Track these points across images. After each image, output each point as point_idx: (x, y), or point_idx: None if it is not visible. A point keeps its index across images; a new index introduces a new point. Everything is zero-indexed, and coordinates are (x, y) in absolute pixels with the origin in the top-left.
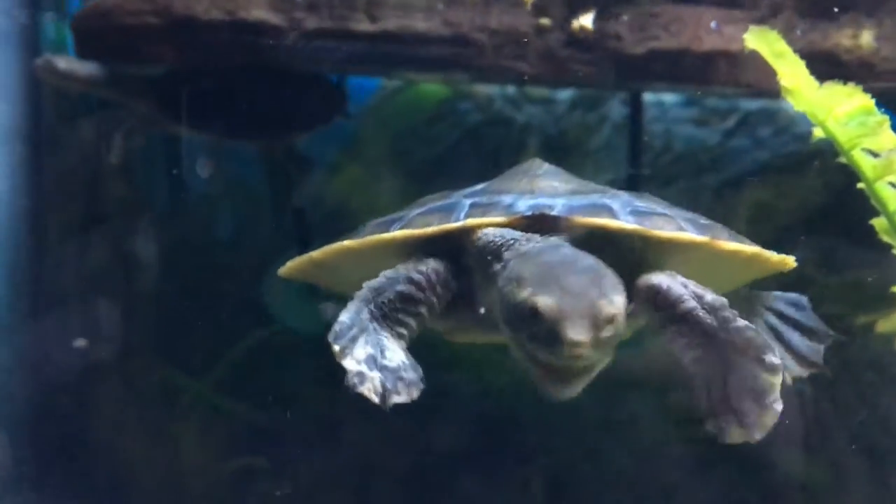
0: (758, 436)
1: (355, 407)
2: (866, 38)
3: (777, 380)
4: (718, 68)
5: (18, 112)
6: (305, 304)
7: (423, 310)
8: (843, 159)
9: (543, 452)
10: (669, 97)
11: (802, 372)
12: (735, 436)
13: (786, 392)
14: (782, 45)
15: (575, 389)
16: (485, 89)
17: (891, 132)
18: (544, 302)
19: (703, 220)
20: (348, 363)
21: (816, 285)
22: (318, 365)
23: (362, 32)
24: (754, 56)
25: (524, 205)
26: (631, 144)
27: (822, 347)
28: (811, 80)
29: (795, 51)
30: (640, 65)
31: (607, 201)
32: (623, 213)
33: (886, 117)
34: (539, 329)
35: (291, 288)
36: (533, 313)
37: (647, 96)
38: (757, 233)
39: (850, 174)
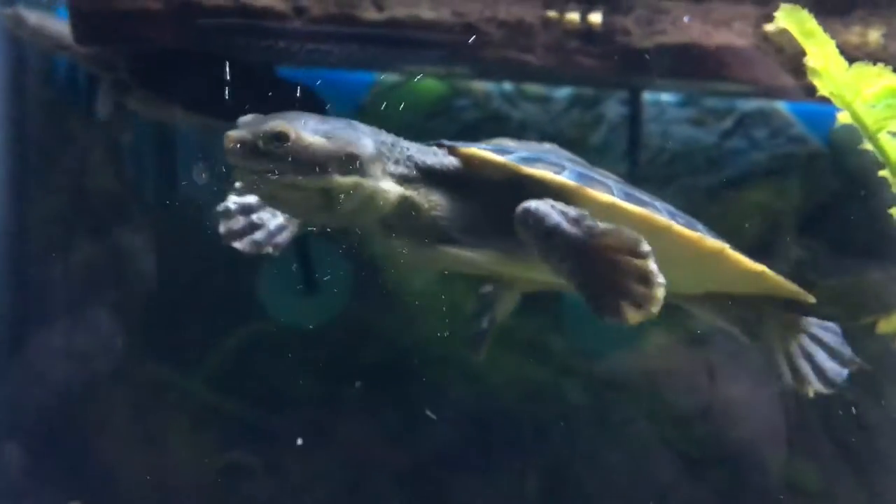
0: (654, 309)
1: (349, 404)
2: (874, 35)
3: (653, 261)
4: (726, 64)
5: (4, 105)
6: (298, 298)
7: None
8: (867, 144)
9: (538, 452)
10: (667, 97)
11: (824, 389)
12: (633, 316)
13: (783, 394)
14: (813, 24)
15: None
16: (482, 86)
17: None
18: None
19: (681, 216)
20: None
21: (813, 286)
22: (310, 360)
23: (368, 20)
24: (761, 52)
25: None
26: (630, 143)
27: (845, 371)
28: (840, 60)
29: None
30: (648, 59)
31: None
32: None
33: None
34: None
35: (284, 282)
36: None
37: (645, 96)
38: (753, 234)
39: (847, 176)
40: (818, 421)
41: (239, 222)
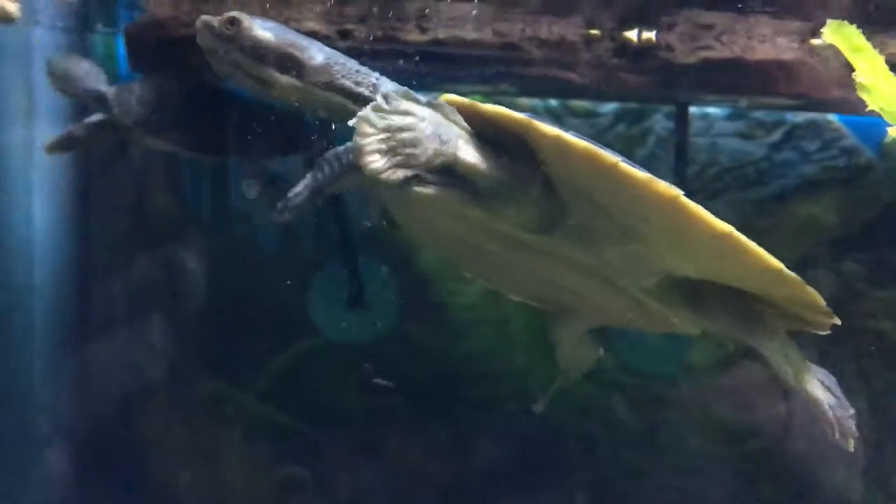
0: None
1: (397, 419)
2: None
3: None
4: (772, 78)
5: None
6: (348, 315)
7: None
8: None
9: (585, 468)
10: (714, 110)
11: (842, 441)
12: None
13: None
14: (861, 40)
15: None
16: (527, 102)
17: None
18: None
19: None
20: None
21: (867, 299)
22: (360, 376)
23: (412, 42)
24: (808, 66)
25: None
26: (676, 157)
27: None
28: (890, 76)
29: None
30: (692, 75)
31: None
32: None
33: None
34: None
35: (334, 299)
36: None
37: (692, 109)
38: (804, 246)
39: None
40: (880, 434)
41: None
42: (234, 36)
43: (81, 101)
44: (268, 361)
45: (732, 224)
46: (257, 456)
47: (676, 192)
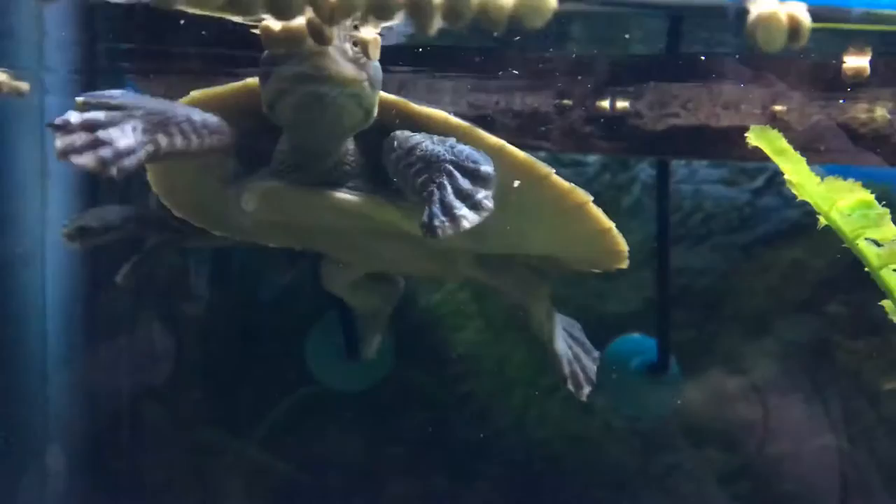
0: (467, 224)
1: (396, 464)
2: (880, 111)
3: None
4: (736, 143)
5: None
6: (346, 363)
7: None
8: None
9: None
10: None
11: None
12: (449, 229)
13: (825, 448)
14: (783, 143)
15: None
16: None
17: (892, 224)
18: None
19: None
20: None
21: (851, 340)
22: (359, 423)
23: None
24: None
25: None
26: (658, 206)
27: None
28: (812, 176)
29: (813, 123)
30: (660, 141)
31: None
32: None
33: (887, 210)
34: None
35: (330, 348)
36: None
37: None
38: (789, 289)
39: None
40: (868, 472)
41: (81, 138)
42: None
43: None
44: (268, 409)
45: (719, 269)
46: (257, 501)
47: (550, 171)
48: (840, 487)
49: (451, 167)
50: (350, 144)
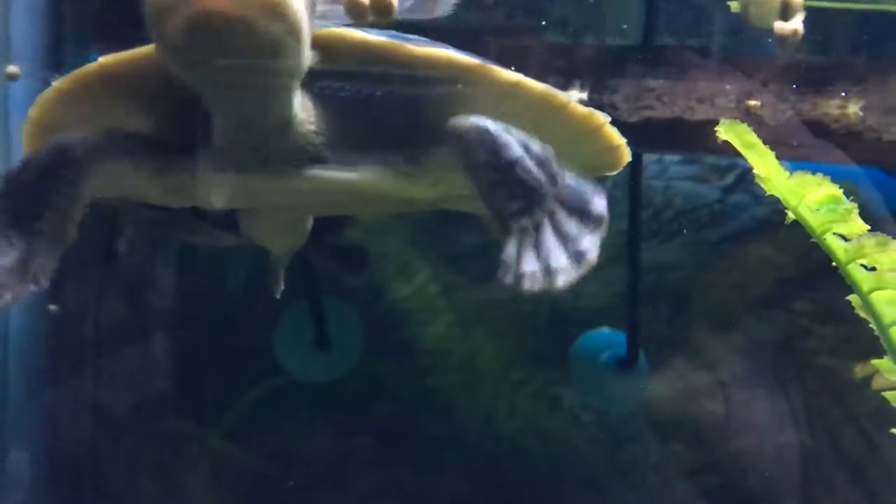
0: (562, 282)
1: (362, 456)
2: (852, 108)
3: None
4: (710, 136)
5: None
6: (312, 354)
7: None
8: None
9: (554, 498)
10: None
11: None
12: (540, 284)
13: (790, 443)
14: (752, 137)
15: None
16: None
17: (859, 219)
18: None
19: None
20: None
21: (817, 337)
22: (327, 415)
23: None
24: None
25: None
26: (631, 201)
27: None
28: (781, 170)
29: (786, 119)
30: (635, 133)
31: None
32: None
33: (855, 205)
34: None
35: (298, 339)
36: None
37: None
38: (757, 286)
39: None
40: (832, 467)
41: None
42: None
43: None
44: (234, 400)
45: (689, 265)
46: (223, 493)
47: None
48: (805, 481)
49: (555, 204)
50: (300, 98)
